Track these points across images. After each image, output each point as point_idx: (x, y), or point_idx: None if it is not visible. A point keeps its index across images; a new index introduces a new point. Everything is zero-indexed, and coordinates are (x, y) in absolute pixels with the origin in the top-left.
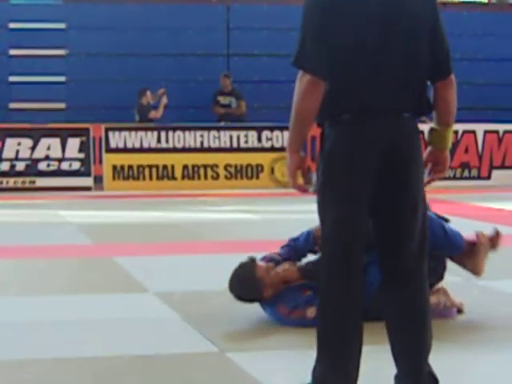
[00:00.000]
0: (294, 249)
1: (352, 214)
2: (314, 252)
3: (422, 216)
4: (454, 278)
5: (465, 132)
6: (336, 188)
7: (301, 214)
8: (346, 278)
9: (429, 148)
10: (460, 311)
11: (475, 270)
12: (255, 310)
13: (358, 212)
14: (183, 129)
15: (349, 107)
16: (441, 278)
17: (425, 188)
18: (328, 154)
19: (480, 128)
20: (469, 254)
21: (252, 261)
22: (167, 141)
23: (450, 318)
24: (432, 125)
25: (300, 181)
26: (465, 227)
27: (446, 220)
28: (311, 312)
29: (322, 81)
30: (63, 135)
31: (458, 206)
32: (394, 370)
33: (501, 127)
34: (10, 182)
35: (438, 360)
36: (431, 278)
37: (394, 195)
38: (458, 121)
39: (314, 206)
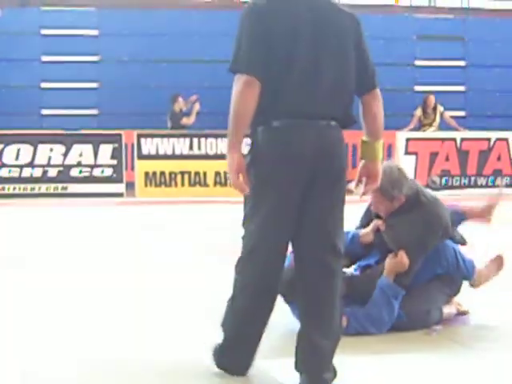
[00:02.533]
0: None
1: (277, 219)
2: (358, 254)
3: (339, 219)
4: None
5: (497, 139)
6: (265, 190)
7: None
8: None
9: (361, 161)
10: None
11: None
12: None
13: (284, 215)
14: (215, 136)
15: (279, 114)
16: (454, 295)
17: (360, 198)
18: (259, 158)
19: None
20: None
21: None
22: (199, 147)
23: (466, 324)
24: (363, 137)
25: (240, 179)
26: (497, 235)
27: (463, 243)
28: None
29: (257, 81)
30: (95, 141)
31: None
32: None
33: None
34: (43, 187)
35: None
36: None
37: (317, 198)
38: (490, 128)
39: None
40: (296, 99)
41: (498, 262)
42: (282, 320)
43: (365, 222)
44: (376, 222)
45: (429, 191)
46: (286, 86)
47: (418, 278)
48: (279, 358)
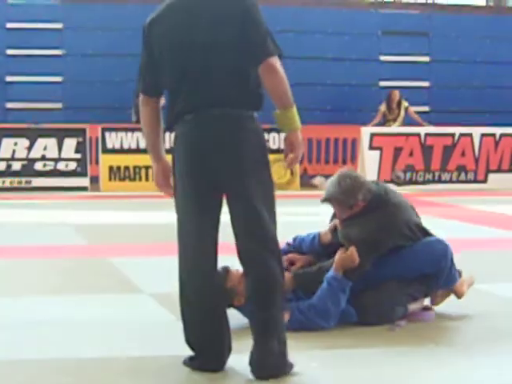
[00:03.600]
0: (299, 249)
1: (191, 213)
2: (320, 254)
3: (264, 207)
4: None
5: (461, 135)
6: (178, 186)
7: (296, 217)
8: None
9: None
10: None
11: (459, 294)
12: None
13: (197, 210)
14: None
15: (178, 111)
16: (425, 295)
17: (289, 169)
18: (173, 154)
19: (477, 131)
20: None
21: (224, 270)
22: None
23: (430, 320)
24: (276, 110)
25: (162, 185)
26: (460, 230)
27: (429, 233)
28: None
29: (151, 98)
30: (60, 135)
31: (453, 208)
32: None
33: (498, 130)
34: (6, 181)
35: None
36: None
37: (231, 186)
38: (455, 124)
39: (311, 209)
40: (187, 93)
41: (470, 280)
42: None
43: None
44: (334, 221)
45: (397, 194)
46: (176, 85)
47: (394, 274)
48: None
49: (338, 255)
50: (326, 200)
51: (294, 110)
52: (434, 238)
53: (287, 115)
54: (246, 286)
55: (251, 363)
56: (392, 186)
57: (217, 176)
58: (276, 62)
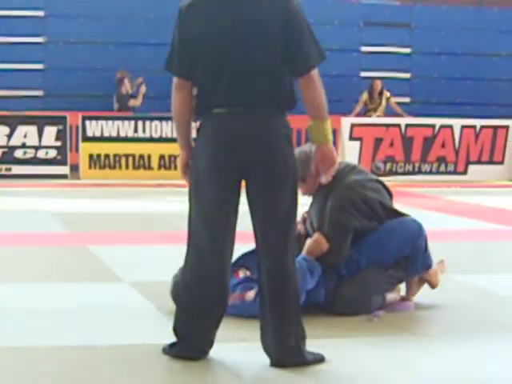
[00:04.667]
0: None
1: (208, 210)
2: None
3: (288, 209)
4: None
5: (442, 126)
6: (197, 181)
7: None
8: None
9: (313, 148)
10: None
11: (432, 284)
12: None
13: (216, 206)
14: (160, 119)
15: (209, 104)
16: (401, 281)
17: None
18: (195, 149)
19: (457, 123)
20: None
21: None
22: (144, 130)
23: (408, 311)
24: (310, 122)
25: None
26: (440, 221)
27: (403, 214)
28: (249, 295)
29: (186, 82)
30: (40, 123)
31: (433, 200)
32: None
33: (478, 122)
34: None
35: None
36: (393, 281)
37: (259, 187)
38: (435, 115)
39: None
40: (223, 89)
41: (442, 266)
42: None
43: None
44: (302, 213)
45: (363, 173)
46: (212, 78)
47: (371, 258)
48: (237, 342)
49: (307, 242)
50: None
51: (329, 122)
52: (408, 218)
53: (321, 127)
54: (260, 279)
55: (270, 357)
56: None
57: (243, 170)
58: (316, 73)
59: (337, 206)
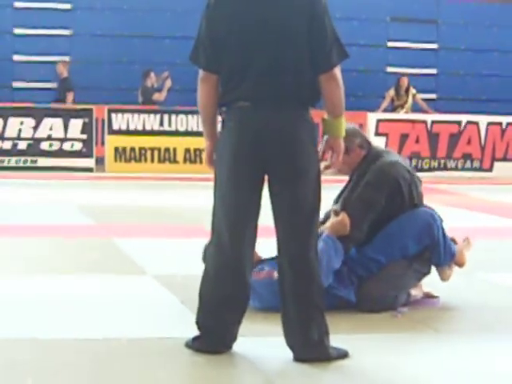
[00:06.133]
0: None
1: (230, 201)
2: None
3: (311, 205)
4: (454, 270)
5: (468, 123)
6: (221, 173)
7: None
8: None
9: (324, 137)
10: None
11: (459, 263)
12: None
13: (237, 199)
14: (186, 112)
15: (233, 97)
16: (426, 275)
17: (323, 174)
18: (219, 140)
19: (483, 120)
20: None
21: None
22: (170, 124)
23: (433, 308)
24: (324, 115)
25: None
26: (465, 218)
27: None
28: (276, 274)
29: (212, 74)
30: (66, 115)
31: (458, 196)
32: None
33: (504, 119)
34: (12, 160)
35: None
36: (419, 276)
37: (281, 182)
38: (462, 112)
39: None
40: (247, 81)
41: (468, 244)
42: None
43: None
44: (332, 208)
45: (395, 155)
46: (236, 70)
47: (390, 253)
48: (263, 336)
49: (330, 220)
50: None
51: (343, 119)
52: (419, 209)
53: (335, 123)
54: (281, 274)
55: (294, 352)
56: None
57: (266, 163)
58: (337, 71)
59: (369, 181)
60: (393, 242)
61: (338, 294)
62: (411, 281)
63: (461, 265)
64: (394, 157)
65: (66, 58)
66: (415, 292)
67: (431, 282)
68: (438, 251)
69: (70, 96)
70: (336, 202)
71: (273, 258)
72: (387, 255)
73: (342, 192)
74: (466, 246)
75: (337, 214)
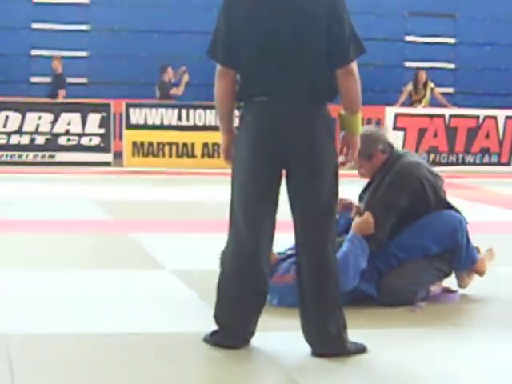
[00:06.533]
0: None
1: (247, 197)
2: None
3: (328, 199)
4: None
5: (486, 117)
6: (237, 167)
7: None
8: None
9: (341, 132)
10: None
11: (479, 272)
12: None
13: (254, 193)
14: (204, 107)
15: (251, 92)
16: (446, 275)
17: (340, 169)
18: (237, 135)
19: (501, 114)
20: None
21: None
22: (188, 118)
23: (452, 302)
24: (340, 111)
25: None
26: (483, 213)
27: (452, 207)
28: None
29: (230, 70)
30: (84, 110)
31: (477, 191)
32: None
33: None
34: (30, 155)
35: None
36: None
37: (298, 168)
38: (480, 106)
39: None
40: (264, 76)
41: (490, 254)
42: None
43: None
44: (355, 206)
45: (415, 157)
46: (253, 65)
47: (411, 252)
48: (281, 331)
49: (354, 221)
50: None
51: (360, 115)
52: (447, 212)
53: (352, 119)
54: (300, 267)
55: (312, 346)
56: None
57: (284, 158)
58: (354, 66)
59: (391, 182)
60: (415, 242)
61: (358, 287)
62: (431, 278)
63: (481, 273)
64: (414, 157)
65: (85, 53)
66: (434, 288)
67: (449, 278)
68: (459, 255)
69: (61, 93)
70: (359, 200)
71: (288, 256)
72: (408, 253)
73: (364, 191)
74: (488, 255)
75: (361, 213)
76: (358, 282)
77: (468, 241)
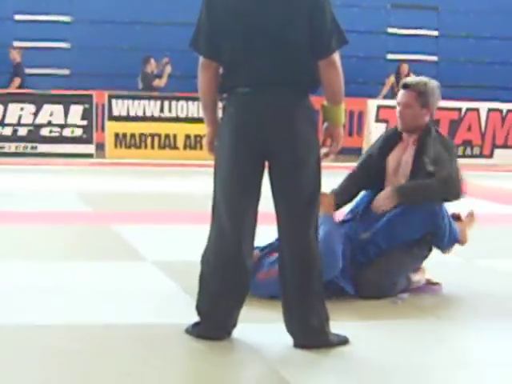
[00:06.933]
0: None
1: (229, 187)
2: None
3: (311, 192)
4: (455, 257)
5: (468, 110)
6: (220, 158)
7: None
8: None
9: (324, 124)
10: (437, 284)
11: (461, 242)
12: None
13: (236, 184)
14: (187, 98)
15: (234, 83)
16: (426, 258)
17: (323, 161)
18: (220, 127)
19: (483, 106)
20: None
21: None
22: (170, 110)
23: (434, 294)
24: (324, 102)
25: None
26: (464, 205)
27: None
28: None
29: (213, 61)
30: (66, 101)
31: None
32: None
33: (504, 106)
34: (12, 147)
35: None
36: (418, 261)
37: (280, 159)
38: (462, 99)
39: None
40: (246, 67)
41: (471, 219)
42: None
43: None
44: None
45: None
46: (235, 56)
47: (394, 239)
48: (263, 322)
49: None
50: (408, 86)
51: (343, 106)
52: None
53: (335, 110)
54: (282, 260)
55: (294, 338)
56: None
57: (266, 149)
58: (336, 57)
59: (448, 146)
60: (397, 228)
61: (339, 284)
62: (410, 266)
63: (462, 243)
64: None
65: (67, 45)
66: (418, 277)
67: (431, 269)
68: (440, 236)
69: (16, 82)
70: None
71: (269, 252)
72: (388, 240)
73: (388, 150)
74: (468, 222)
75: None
76: (336, 277)
77: (450, 222)
